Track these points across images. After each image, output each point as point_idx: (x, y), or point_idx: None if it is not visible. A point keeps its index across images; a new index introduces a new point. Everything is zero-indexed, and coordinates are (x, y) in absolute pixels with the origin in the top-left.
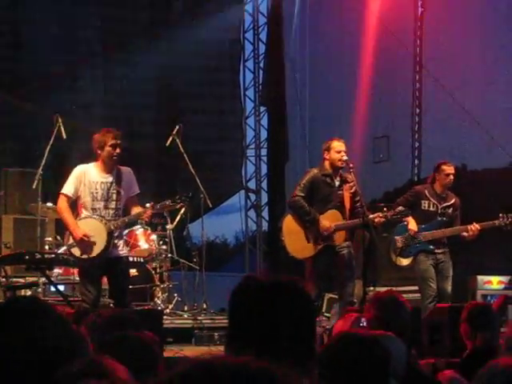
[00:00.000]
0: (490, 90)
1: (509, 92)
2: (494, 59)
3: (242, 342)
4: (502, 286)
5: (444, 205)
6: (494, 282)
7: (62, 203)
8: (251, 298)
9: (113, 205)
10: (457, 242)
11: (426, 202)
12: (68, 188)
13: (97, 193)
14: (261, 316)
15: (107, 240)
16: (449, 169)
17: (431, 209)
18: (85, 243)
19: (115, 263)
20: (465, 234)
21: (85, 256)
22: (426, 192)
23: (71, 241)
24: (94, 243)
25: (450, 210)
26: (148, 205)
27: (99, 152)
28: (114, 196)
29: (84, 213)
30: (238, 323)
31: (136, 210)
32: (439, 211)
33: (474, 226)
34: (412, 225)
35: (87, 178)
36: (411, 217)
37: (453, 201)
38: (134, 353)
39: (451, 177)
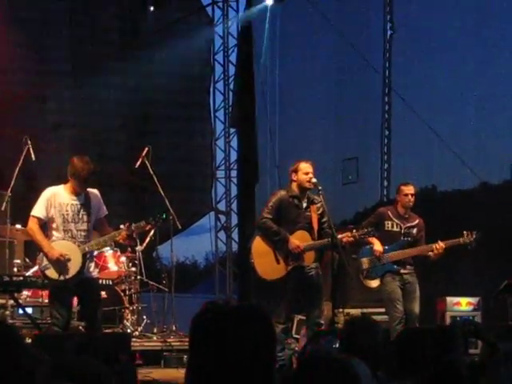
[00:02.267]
0: (460, 111)
1: (477, 113)
2: (463, 81)
3: (202, 368)
4: (471, 307)
5: (408, 225)
6: (462, 304)
7: (34, 225)
8: (211, 325)
9: (84, 226)
10: (423, 262)
11: (390, 222)
12: (38, 210)
13: (67, 214)
14: (221, 342)
15: (82, 261)
16: (407, 189)
17: (395, 229)
18: (61, 264)
19: (88, 285)
20: (430, 253)
21: (61, 277)
22: (389, 213)
23: (45, 262)
24: (70, 264)
25: (414, 231)
26: (122, 226)
27: (72, 179)
28: (85, 217)
29: (55, 235)
30: (197, 350)
31: (109, 231)
32: (403, 231)
33: (439, 245)
34: (377, 246)
35: (57, 200)
36: (376, 238)
37: (416, 221)
38: (87, 379)
39: (410, 197)
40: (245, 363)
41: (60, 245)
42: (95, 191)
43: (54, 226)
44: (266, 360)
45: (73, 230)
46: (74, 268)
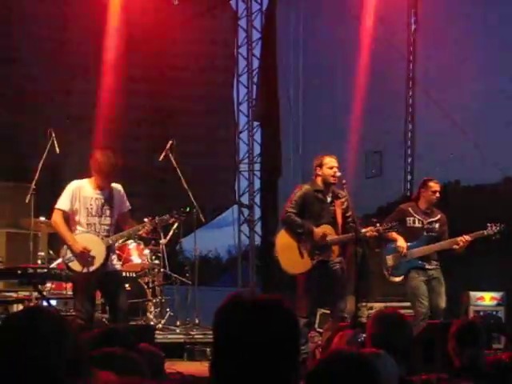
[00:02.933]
0: (484, 105)
1: (503, 107)
2: (488, 74)
3: (226, 360)
4: (495, 302)
5: (429, 220)
6: (486, 298)
7: (58, 218)
8: (235, 318)
9: (107, 221)
10: (448, 256)
11: (411, 218)
12: (63, 203)
13: (92, 208)
14: (245, 335)
15: (106, 254)
16: (435, 186)
17: (417, 225)
18: (85, 257)
19: (112, 277)
20: (455, 246)
21: (85, 270)
22: (410, 209)
23: (69, 255)
24: (94, 257)
25: (437, 225)
26: (146, 220)
27: (95, 173)
28: (108, 212)
29: (78, 228)
30: (221, 342)
31: (133, 224)
32: (425, 226)
33: (464, 238)
34: (401, 242)
35: (82, 193)
36: (400, 235)
37: (438, 216)
38: (119, 370)
39: (437, 194)
40: (269, 357)
41: (84, 238)
42: (119, 186)
43: (78, 219)
44: (290, 353)
45: (96, 224)
46: (97, 261)
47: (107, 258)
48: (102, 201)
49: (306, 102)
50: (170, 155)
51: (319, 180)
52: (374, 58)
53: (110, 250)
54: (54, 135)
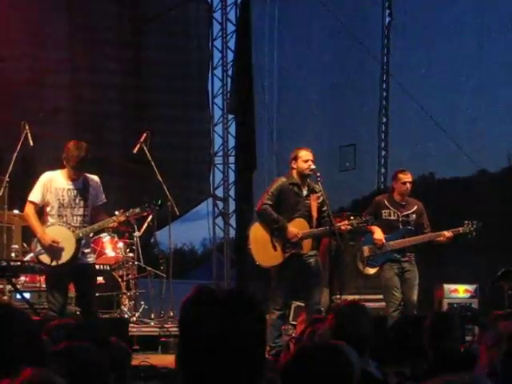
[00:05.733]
0: (457, 98)
1: (475, 100)
2: (460, 68)
3: (191, 353)
4: (468, 294)
5: (405, 213)
6: (460, 291)
7: (29, 210)
8: (202, 310)
9: (80, 211)
10: (428, 246)
11: (387, 211)
12: (35, 195)
13: (63, 199)
14: (210, 328)
15: (76, 247)
16: (405, 177)
17: (392, 217)
18: (54, 250)
19: (83, 270)
20: (438, 239)
21: (54, 263)
22: (385, 201)
23: (39, 248)
24: (63, 250)
25: (414, 217)
26: (117, 212)
27: (65, 163)
28: (82, 203)
29: (50, 220)
30: (187, 335)
31: (104, 217)
32: (400, 219)
33: (445, 235)
34: (378, 234)
35: (53, 184)
36: (377, 227)
37: (415, 208)
38: (80, 364)
39: (407, 185)
40: (235, 350)
41: (53, 230)
42: (96, 178)
43: (50, 210)
44: (256, 347)
45: (68, 216)
46: (67, 254)
47: (77, 250)
48: (75, 192)
49: (281, 95)
50: (145, 148)
51: (294, 173)
52: (348, 51)
53: (80, 242)
54: (27, 128)
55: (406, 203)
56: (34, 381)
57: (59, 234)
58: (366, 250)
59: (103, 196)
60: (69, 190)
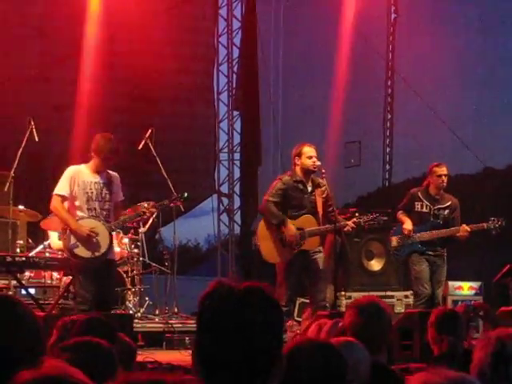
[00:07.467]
0: (462, 95)
1: (480, 97)
2: (466, 64)
3: (209, 347)
4: (473, 291)
5: (437, 206)
6: (464, 288)
7: (58, 203)
8: (220, 304)
9: (106, 205)
10: (452, 244)
11: (419, 203)
12: (62, 188)
13: (92, 192)
14: (229, 321)
15: (110, 240)
16: (440, 170)
17: (424, 210)
18: (91, 242)
19: (108, 265)
20: (459, 234)
21: (92, 255)
22: (419, 194)
23: (73, 241)
24: (99, 242)
25: (446, 212)
26: (146, 204)
27: (94, 156)
28: (108, 196)
29: (79, 213)
30: (205, 329)
31: (122, 214)
32: (432, 212)
33: (464, 228)
34: (407, 225)
35: (81, 178)
36: (408, 218)
37: (449, 203)
38: (89, 359)
39: (443, 178)
40: (253, 344)
41: (86, 223)
42: (116, 175)
43: (78, 204)
44: (273, 340)
45: (97, 209)
46: (103, 245)
47: (111, 243)
48: (101, 185)
49: (286, 92)
50: (150, 144)
51: (298, 170)
52: (354, 48)
53: (111, 235)
54: (33, 123)
55: (440, 198)
56: (53, 372)
57: (92, 226)
58: (393, 240)
59: (121, 194)
60: (96, 183)
